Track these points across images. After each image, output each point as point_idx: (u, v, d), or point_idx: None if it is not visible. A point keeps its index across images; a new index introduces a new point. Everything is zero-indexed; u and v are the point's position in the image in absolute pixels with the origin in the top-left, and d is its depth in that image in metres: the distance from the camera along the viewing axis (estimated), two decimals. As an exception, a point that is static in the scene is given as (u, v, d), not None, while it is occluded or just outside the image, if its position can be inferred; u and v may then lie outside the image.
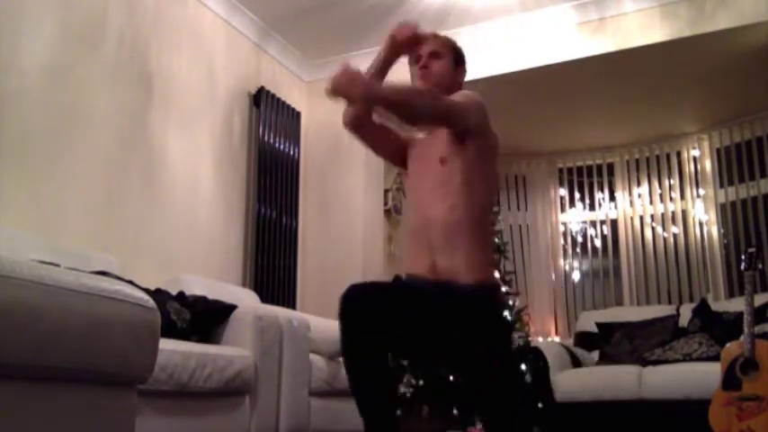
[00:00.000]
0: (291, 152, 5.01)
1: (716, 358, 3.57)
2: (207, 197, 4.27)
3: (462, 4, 4.57)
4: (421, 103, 1.95)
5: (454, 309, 1.94)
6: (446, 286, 1.95)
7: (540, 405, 4.26)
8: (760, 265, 3.51)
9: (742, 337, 3.36)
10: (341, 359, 3.55)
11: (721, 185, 5.68)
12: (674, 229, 5.88)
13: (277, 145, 4.84)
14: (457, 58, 2.26)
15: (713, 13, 4.26)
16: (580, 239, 6.31)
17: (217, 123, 4.43)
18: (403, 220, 6.25)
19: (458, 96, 2.05)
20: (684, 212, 5.86)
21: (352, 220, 5.15)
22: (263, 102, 4.75)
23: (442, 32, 2.39)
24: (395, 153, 2.27)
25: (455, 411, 4.78)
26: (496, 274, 5.16)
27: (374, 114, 2.17)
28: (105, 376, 1.43)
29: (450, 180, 2.00)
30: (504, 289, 5.15)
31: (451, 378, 4.52)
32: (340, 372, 3.55)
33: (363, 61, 5.63)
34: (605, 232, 6.21)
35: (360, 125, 2.19)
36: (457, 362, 2.12)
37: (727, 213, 5.61)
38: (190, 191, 4.13)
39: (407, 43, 2.14)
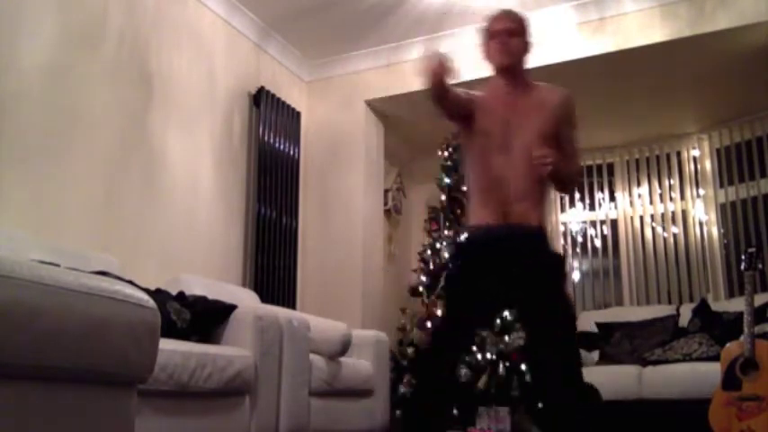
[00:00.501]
0: (291, 152, 5.01)
1: (716, 358, 3.57)
2: (207, 197, 4.27)
3: (462, 3, 4.57)
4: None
5: (524, 244, 2.26)
6: (517, 226, 2.27)
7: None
8: (760, 265, 3.51)
9: (742, 337, 3.36)
10: (341, 359, 3.57)
11: (721, 185, 5.68)
12: (674, 229, 5.88)
13: (277, 145, 4.84)
14: (529, 36, 2.43)
15: (713, 13, 4.26)
16: (580, 239, 6.31)
17: (217, 123, 4.43)
18: (404, 212, 6.24)
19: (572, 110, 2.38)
20: (684, 212, 5.86)
21: (352, 220, 5.15)
22: (263, 102, 4.75)
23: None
24: (465, 116, 2.43)
25: (455, 411, 4.78)
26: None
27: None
28: (105, 376, 1.43)
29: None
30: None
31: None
32: (340, 372, 3.55)
33: (363, 61, 5.63)
34: (605, 232, 6.21)
35: (453, 113, 2.41)
36: (521, 299, 2.33)
37: (727, 213, 5.61)
38: (190, 191, 4.13)
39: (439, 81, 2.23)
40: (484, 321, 2.46)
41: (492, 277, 2.26)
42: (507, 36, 2.36)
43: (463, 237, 2.45)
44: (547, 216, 2.38)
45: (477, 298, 2.29)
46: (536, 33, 4.68)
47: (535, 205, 2.30)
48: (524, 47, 2.40)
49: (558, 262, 2.37)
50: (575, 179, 2.47)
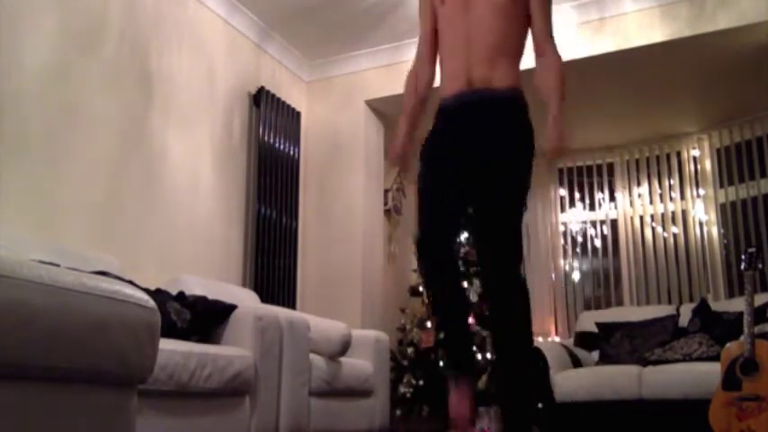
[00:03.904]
0: (291, 152, 5.01)
1: (716, 358, 3.57)
2: (207, 197, 4.27)
3: (462, 4, 4.57)
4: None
5: (489, 110, 2.16)
6: (482, 92, 2.17)
7: (540, 405, 4.26)
8: (760, 265, 3.51)
9: (742, 337, 3.36)
10: (341, 359, 3.57)
11: (721, 185, 5.69)
12: (674, 229, 5.88)
13: (277, 145, 4.84)
14: None
15: (713, 13, 4.26)
16: (580, 239, 6.31)
17: (217, 123, 4.43)
18: (404, 212, 6.24)
19: None
20: (684, 212, 5.86)
21: (352, 220, 5.15)
22: (263, 102, 4.75)
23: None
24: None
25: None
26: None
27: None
28: (105, 376, 1.42)
29: (506, 9, 2.22)
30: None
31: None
32: (340, 372, 3.55)
33: (363, 61, 5.62)
34: (605, 232, 6.21)
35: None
36: (483, 180, 2.14)
37: (727, 213, 5.61)
38: (190, 191, 4.13)
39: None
40: (457, 200, 2.18)
41: (455, 156, 2.18)
42: None
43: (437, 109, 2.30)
44: (518, 77, 2.21)
45: (445, 174, 2.19)
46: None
47: (502, 65, 2.18)
48: None
49: (519, 140, 2.16)
50: (560, 92, 2.17)
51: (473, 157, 2.14)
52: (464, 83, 2.18)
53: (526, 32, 2.31)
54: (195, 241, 4.12)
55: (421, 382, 4.89)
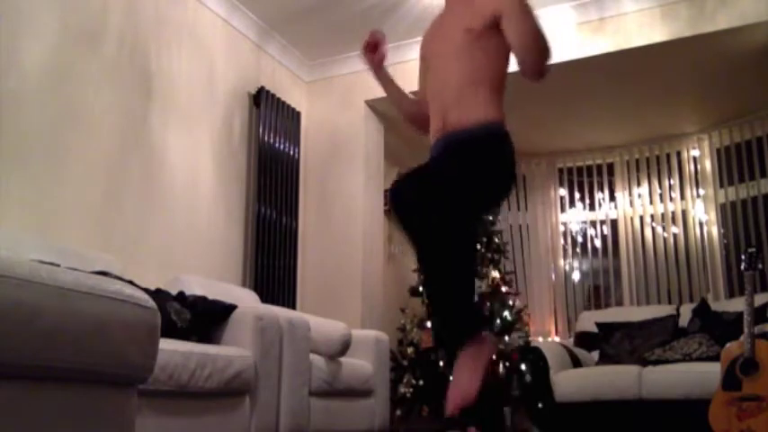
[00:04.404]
0: (291, 152, 5.01)
1: (716, 358, 3.57)
2: (207, 197, 4.27)
3: (462, 4, 4.57)
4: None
5: (459, 147, 2.09)
6: (452, 134, 2.12)
7: (539, 405, 4.26)
8: (760, 265, 3.51)
9: (742, 337, 3.36)
10: (341, 359, 3.57)
11: (721, 185, 5.69)
12: (674, 229, 5.88)
13: (277, 145, 4.84)
14: None
15: (713, 13, 4.26)
16: (580, 239, 6.31)
17: (217, 123, 4.43)
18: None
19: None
20: (684, 212, 5.86)
21: (352, 220, 5.15)
22: (263, 102, 4.75)
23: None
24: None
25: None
26: (496, 274, 5.16)
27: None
28: (105, 376, 1.42)
29: (472, 45, 2.14)
30: (503, 289, 5.16)
31: None
32: (340, 372, 3.55)
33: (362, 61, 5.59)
34: (605, 232, 6.21)
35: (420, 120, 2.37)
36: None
37: (727, 213, 5.62)
38: (190, 191, 4.13)
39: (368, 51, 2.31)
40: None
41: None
42: None
43: None
44: (492, 110, 2.15)
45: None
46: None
47: (470, 102, 2.12)
48: None
49: (484, 165, 2.08)
50: (541, 63, 2.19)
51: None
52: (441, 127, 2.15)
53: (502, 63, 2.23)
54: (195, 241, 4.12)
55: (421, 382, 4.89)
